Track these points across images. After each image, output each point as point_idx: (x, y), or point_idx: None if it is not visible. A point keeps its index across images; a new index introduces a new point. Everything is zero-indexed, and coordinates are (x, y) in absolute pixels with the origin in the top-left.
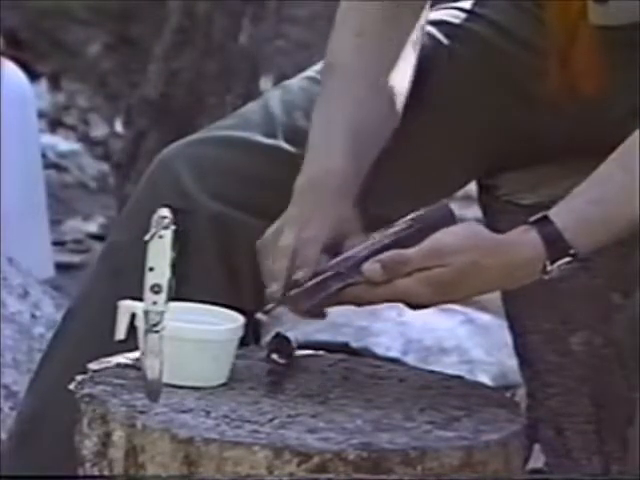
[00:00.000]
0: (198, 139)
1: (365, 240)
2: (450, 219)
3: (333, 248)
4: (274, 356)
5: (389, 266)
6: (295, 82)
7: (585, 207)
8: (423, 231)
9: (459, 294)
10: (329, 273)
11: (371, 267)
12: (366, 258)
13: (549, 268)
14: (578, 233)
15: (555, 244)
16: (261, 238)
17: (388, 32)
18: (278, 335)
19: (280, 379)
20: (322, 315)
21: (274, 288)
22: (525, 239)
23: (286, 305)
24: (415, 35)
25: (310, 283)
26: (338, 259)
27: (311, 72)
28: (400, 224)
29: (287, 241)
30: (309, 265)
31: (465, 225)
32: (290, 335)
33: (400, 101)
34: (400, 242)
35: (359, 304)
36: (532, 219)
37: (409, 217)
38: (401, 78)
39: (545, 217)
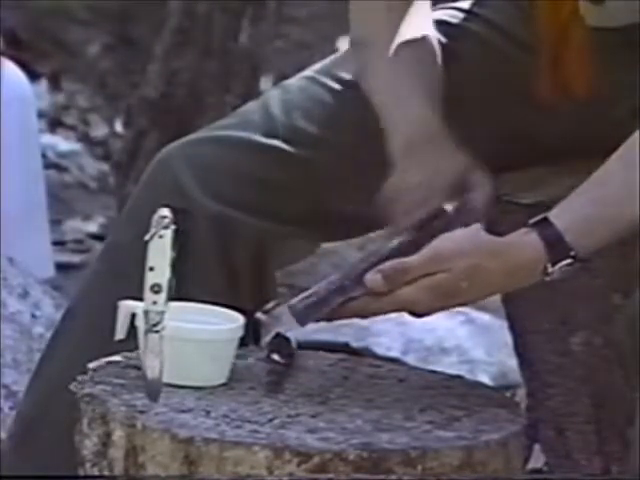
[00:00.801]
0: (197, 139)
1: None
2: (449, 224)
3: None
4: (274, 356)
5: (391, 275)
6: (294, 82)
7: (585, 208)
8: (422, 238)
9: (462, 299)
10: (331, 287)
11: (373, 278)
12: (367, 270)
13: (550, 270)
14: (578, 234)
15: (556, 246)
16: (385, 191)
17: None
18: (278, 335)
19: (280, 379)
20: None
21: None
22: (526, 241)
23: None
24: None
25: (313, 298)
26: (339, 273)
27: (310, 72)
28: (399, 233)
29: (417, 178)
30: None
31: (464, 229)
32: (290, 335)
33: (435, 48)
34: (400, 251)
35: (363, 316)
36: (532, 221)
37: (408, 224)
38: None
39: (545, 219)
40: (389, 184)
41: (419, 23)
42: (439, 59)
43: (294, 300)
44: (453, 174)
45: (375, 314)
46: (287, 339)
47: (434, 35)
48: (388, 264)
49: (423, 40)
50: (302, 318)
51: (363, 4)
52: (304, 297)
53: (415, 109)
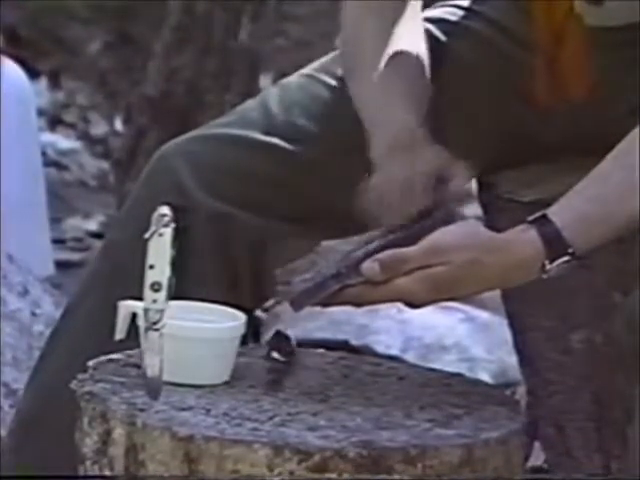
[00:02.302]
0: (196, 136)
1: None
2: (448, 218)
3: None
4: (274, 354)
5: (388, 265)
6: (293, 80)
7: (584, 205)
8: (421, 230)
9: (459, 292)
10: (328, 273)
11: (370, 266)
12: (365, 258)
13: (548, 267)
14: (577, 232)
15: (554, 243)
16: (365, 192)
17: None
18: (278, 333)
19: (280, 377)
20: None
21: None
22: (524, 238)
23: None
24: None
25: (309, 283)
26: (337, 259)
27: (309, 70)
28: (397, 224)
29: (399, 177)
30: (421, 195)
31: (464, 223)
32: (290, 333)
33: (424, 64)
34: (398, 242)
35: (359, 304)
36: (531, 218)
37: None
38: (417, 41)
39: (544, 216)
40: (372, 185)
41: (410, 35)
42: (427, 73)
43: (289, 286)
44: (434, 171)
45: (370, 303)
46: (287, 337)
47: (423, 51)
48: (386, 253)
49: (413, 55)
50: (297, 303)
51: (355, 8)
52: (299, 281)
53: (398, 113)
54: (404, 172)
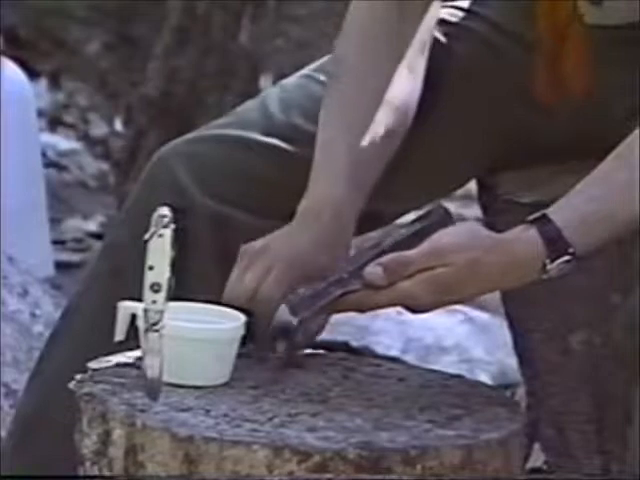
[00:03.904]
0: (196, 137)
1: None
2: (447, 220)
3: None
4: (278, 345)
5: (390, 269)
6: (293, 80)
7: (585, 205)
8: (421, 233)
9: (461, 294)
10: (329, 280)
11: (372, 271)
12: (366, 263)
13: (548, 267)
14: (577, 232)
15: (554, 243)
16: (249, 244)
17: (393, 32)
18: (285, 324)
19: (277, 374)
20: (300, 365)
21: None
22: (524, 237)
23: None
24: (424, 36)
25: (311, 290)
26: (339, 265)
27: (309, 70)
28: (397, 228)
29: (251, 282)
30: (266, 304)
31: (464, 224)
32: (297, 323)
33: (408, 115)
34: (398, 246)
35: (361, 310)
36: (531, 217)
37: (406, 220)
38: (409, 90)
39: (544, 215)
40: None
41: (408, 84)
42: (406, 121)
43: (291, 294)
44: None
45: (373, 308)
46: (292, 329)
47: (416, 94)
48: (388, 257)
49: (400, 108)
50: (297, 310)
51: (346, 26)
52: (301, 290)
53: (333, 185)
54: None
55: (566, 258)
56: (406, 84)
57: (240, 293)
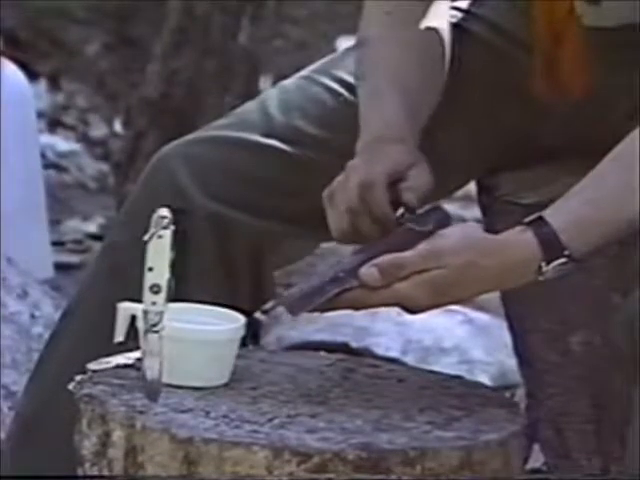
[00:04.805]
0: (195, 139)
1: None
2: (445, 221)
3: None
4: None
5: (386, 270)
6: (292, 81)
7: (581, 208)
8: (418, 234)
9: (457, 295)
10: (326, 278)
11: (368, 271)
12: (363, 263)
13: (544, 269)
14: (573, 234)
15: (550, 245)
16: (328, 188)
17: (416, 9)
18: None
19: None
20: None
21: (339, 231)
22: (520, 239)
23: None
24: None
25: (307, 288)
26: (335, 264)
27: (309, 72)
28: (395, 229)
29: (352, 184)
30: (376, 205)
31: (461, 226)
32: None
33: (443, 53)
34: (396, 246)
35: (357, 309)
36: (527, 220)
37: (404, 221)
38: (438, 35)
39: (540, 218)
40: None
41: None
42: (446, 60)
43: (287, 291)
44: (391, 170)
45: (369, 307)
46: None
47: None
48: (384, 258)
49: (437, 35)
50: (294, 308)
51: (368, 5)
52: (297, 288)
53: (386, 112)
54: (362, 171)
55: (562, 260)
56: (437, 30)
57: (346, 198)
